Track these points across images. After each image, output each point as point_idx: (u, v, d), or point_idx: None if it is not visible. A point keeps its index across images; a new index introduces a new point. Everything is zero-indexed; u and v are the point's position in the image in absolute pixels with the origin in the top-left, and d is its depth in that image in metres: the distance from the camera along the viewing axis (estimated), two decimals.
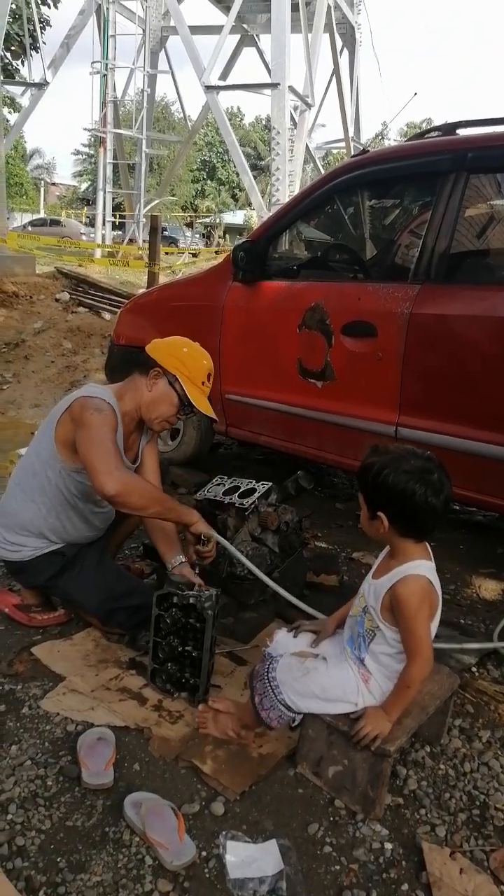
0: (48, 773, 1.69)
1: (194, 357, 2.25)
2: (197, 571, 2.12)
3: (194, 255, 19.15)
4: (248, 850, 1.49)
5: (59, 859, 1.47)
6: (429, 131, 3.22)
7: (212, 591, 1.99)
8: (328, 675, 1.65)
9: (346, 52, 20.11)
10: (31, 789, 1.63)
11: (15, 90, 20.63)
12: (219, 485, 2.59)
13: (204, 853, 1.50)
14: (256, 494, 2.46)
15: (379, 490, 1.56)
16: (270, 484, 2.56)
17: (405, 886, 1.45)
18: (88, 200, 36.49)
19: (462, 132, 2.95)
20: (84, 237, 23.27)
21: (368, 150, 3.46)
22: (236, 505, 2.43)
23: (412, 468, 1.53)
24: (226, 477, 2.66)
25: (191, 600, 1.95)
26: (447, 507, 1.56)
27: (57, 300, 8.62)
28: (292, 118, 15.49)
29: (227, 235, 33.58)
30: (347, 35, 20.00)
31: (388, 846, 1.54)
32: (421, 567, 1.57)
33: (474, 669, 2.21)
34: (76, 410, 2.07)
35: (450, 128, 3.00)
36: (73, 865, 1.46)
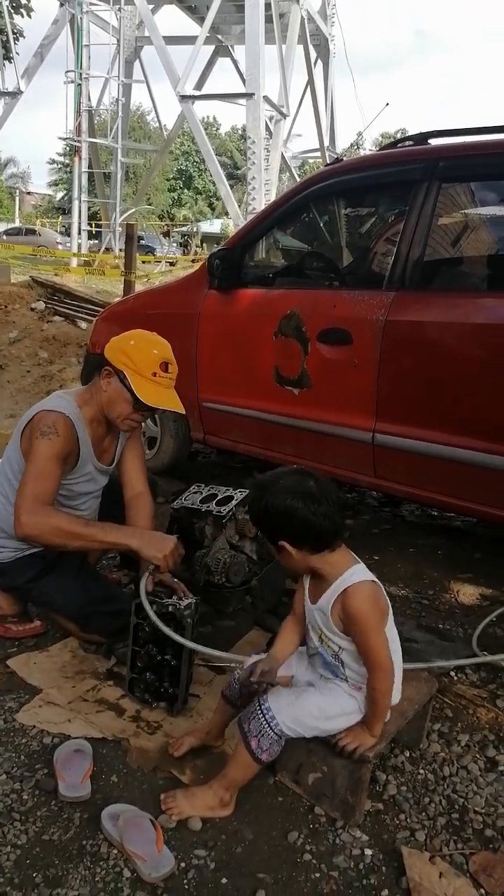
0: (24, 786, 1.66)
1: (141, 348, 2.14)
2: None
3: (171, 264, 19.15)
4: None
5: (35, 874, 1.44)
6: (401, 141, 3.26)
7: (191, 600, 1.97)
8: (320, 694, 1.60)
9: (320, 63, 20.37)
10: (7, 804, 1.60)
11: None
12: (196, 493, 2.58)
13: (182, 864, 1.48)
14: (234, 502, 2.46)
15: (267, 521, 1.54)
16: (247, 491, 2.56)
17: (385, 892, 1.44)
18: (64, 209, 36.34)
19: (434, 142, 2.99)
20: (60, 246, 23.16)
21: (343, 160, 3.50)
22: (214, 513, 2.43)
23: (285, 487, 1.51)
24: (203, 485, 2.65)
25: (170, 608, 1.93)
26: (337, 508, 1.53)
27: (32, 309, 8.54)
28: (268, 128, 15.64)
29: (205, 244, 33.59)
30: (321, 46, 20.27)
31: (368, 852, 1.54)
32: (356, 573, 1.54)
33: (453, 673, 2.22)
34: (33, 425, 2.08)
35: (422, 138, 3.04)
36: (49, 880, 1.43)
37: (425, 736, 1.89)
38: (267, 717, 1.54)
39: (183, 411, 2.28)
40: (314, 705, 1.57)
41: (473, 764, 1.81)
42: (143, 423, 3.69)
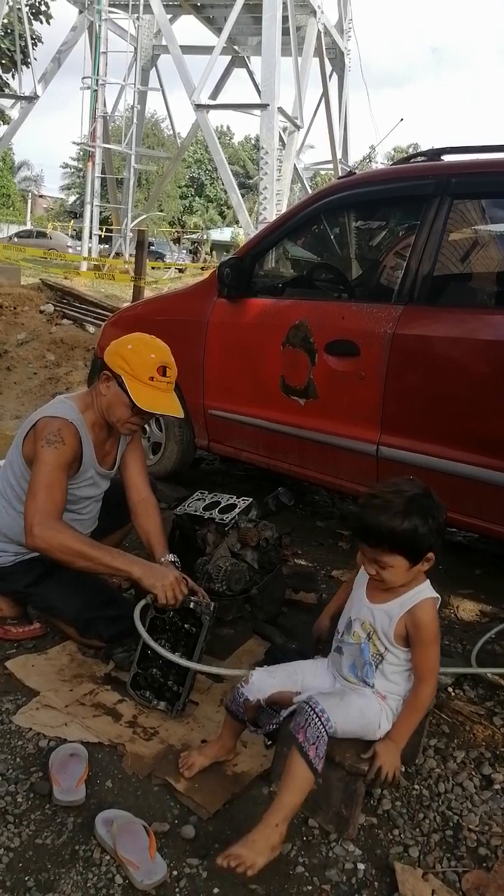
0: (19, 789, 1.66)
1: (138, 352, 2.13)
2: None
3: (181, 271, 19.25)
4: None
5: (27, 878, 1.44)
6: (415, 156, 3.28)
7: (210, 602, 2.01)
8: (358, 696, 1.62)
9: (335, 76, 20.50)
10: (1, 806, 1.60)
11: (5, 102, 20.73)
12: (199, 500, 2.59)
13: (175, 872, 1.48)
14: (237, 510, 2.46)
15: (402, 538, 1.55)
16: (251, 500, 2.56)
17: None
18: (75, 213, 36.60)
19: (447, 158, 3.01)
20: (70, 250, 23.29)
21: (355, 173, 3.52)
22: (216, 520, 2.43)
23: (418, 503, 1.57)
24: (206, 492, 2.66)
25: (192, 605, 1.97)
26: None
27: (41, 312, 8.59)
28: (281, 139, 15.73)
29: (214, 252, 33.81)
30: (337, 60, 20.41)
31: (361, 867, 1.53)
32: (429, 587, 1.65)
33: (450, 689, 2.22)
34: (38, 432, 2.08)
35: (435, 153, 3.06)
36: (41, 884, 1.43)
37: (421, 751, 1.88)
38: (323, 719, 1.50)
39: (181, 415, 2.28)
40: (357, 708, 1.59)
41: (469, 781, 1.81)
42: (147, 428, 3.75)
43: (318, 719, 1.49)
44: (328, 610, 1.90)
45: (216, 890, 1.45)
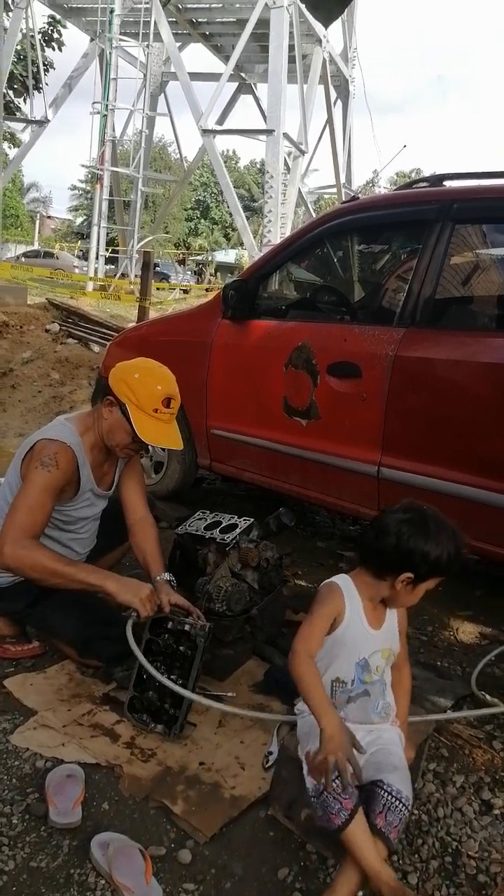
0: (14, 810, 1.65)
1: (145, 383, 2.13)
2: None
3: (185, 292, 19.39)
4: None
5: None
6: (417, 182, 3.33)
7: (206, 623, 2.00)
8: (394, 745, 1.59)
9: (339, 103, 20.80)
10: None
11: (16, 126, 21.07)
12: (200, 519, 2.59)
13: None
14: (238, 530, 2.47)
15: (410, 557, 1.53)
16: (252, 520, 2.56)
17: None
18: (82, 234, 36.98)
19: (449, 184, 3.05)
20: (77, 270, 23.50)
21: (359, 197, 3.56)
22: (217, 540, 2.43)
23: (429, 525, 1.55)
24: (208, 511, 2.66)
25: (186, 627, 1.96)
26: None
27: (47, 331, 8.65)
28: (286, 163, 15.93)
29: (219, 273, 34.08)
30: (341, 87, 20.72)
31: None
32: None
33: (449, 713, 2.19)
34: (35, 454, 2.09)
35: (437, 179, 3.11)
36: None
37: (420, 776, 1.86)
38: (402, 799, 1.45)
39: (180, 447, 2.28)
40: (400, 759, 1.56)
41: (468, 806, 1.79)
42: (150, 448, 3.76)
43: (398, 802, 1.45)
44: (328, 710, 1.49)
45: None
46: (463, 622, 2.86)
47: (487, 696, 2.24)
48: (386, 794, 1.45)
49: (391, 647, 1.64)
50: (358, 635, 1.59)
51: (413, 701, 1.81)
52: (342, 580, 1.62)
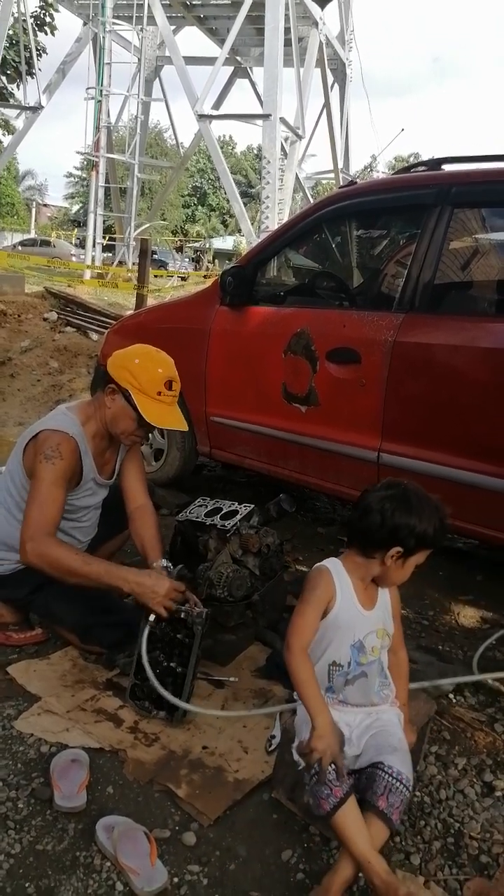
0: (20, 795, 1.66)
1: (146, 367, 2.16)
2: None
3: (183, 279, 19.30)
4: None
5: (27, 885, 1.44)
6: (415, 166, 3.30)
7: (203, 609, 2.00)
8: (394, 726, 1.60)
9: (336, 86, 20.60)
10: (2, 812, 1.60)
11: (10, 113, 20.89)
12: (201, 506, 2.60)
13: (176, 879, 1.48)
14: (238, 516, 2.47)
15: (398, 532, 1.54)
16: (252, 506, 2.57)
17: None
18: (79, 222, 36.74)
19: (447, 168, 3.03)
20: (74, 258, 23.38)
21: (357, 182, 3.54)
22: (218, 527, 2.44)
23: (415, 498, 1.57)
24: (208, 498, 2.67)
25: (182, 615, 1.96)
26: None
27: (45, 319, 8.62)
28: (283, 148, 15.80)
29: (217, 260, 33.95)
30: (338, 71, 20.52)
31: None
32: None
33: (451, 696, 2.21)
34: (38, 445, 2.10)
35: (435, 163, 3.08)
36: (41, 891, 1.43)
37: (422, 758, 1.88)
38: (403, 780, 1.47)
39: (186, 429, 2.32)
40: (399, 739, 1.57)
41: (470, 788, 1.80)
42: (150, 436, 3.76)
43: (398, 783, 1.46)
44: (322, 710, 1.49)
45: None
46: (464, 606, 2.87)
47: (489, 680, 2.26)
48: (387, 775, 1.47)
49: (385, 626, 1.65)
50: (351, 617, 1.60)
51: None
52: (331, 563, 1.63)
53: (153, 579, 2.02)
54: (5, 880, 1.44)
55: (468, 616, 2.80)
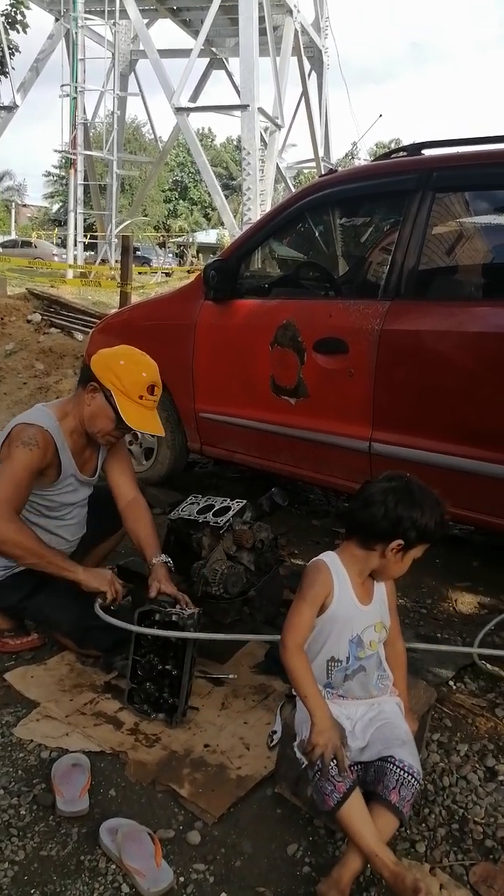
0: (21, 802, 1.65)
1: (130, 370, 2.15)
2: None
3: (167, 275, 19.22)
4: None
5: (33, 891, 1.43)
6: (395, 151, 3.28)
7: (194, 610, 1.98)
8: (397, 717, 1.60)
9: (314, 74, 20.51)
10: (4, 819, 1.59)
11: None
12: (193, 504, 2.58)
13: (182, 878, 1.47)
14: (231, 512, 2.46)
15: (401, 525, 1.53)
16: (245, 502, 2.55)
17: None
18: (60, 221, 36.47)
19: (427, 153, 3.01)
20: (56, 258, 23.22)
21: (337, 170, 3.52)
22: (211, 524, 2.42)
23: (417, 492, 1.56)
24: (200, 496, 2.65)
25: (173, 618, 1.95)
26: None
27: (28, 321, 8.55)
28: (263, 139, 15.74)
29: (201, 255, 33.78)
30: (315, 58, 20.43)
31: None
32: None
33: (451, 683, 2.22)
34: (13, 436, 2.09)
35: (415, 148, 3.06)
36: None
37: (424, 746, 1.88)
38: (414, 773, 1.47)
39: (163, 434, 2.32)
40: (405, 731, 1.57)
41: (473, 774, 1.81)
42: (140, 434, 3.74)
43: (410, 776, 1.46)
44: (320, 705, 1.49)
45: (223, 895, 1.45)
46: (461, 593, 2.88)
47: (488, 665, 2.26)
48: (398, 769, 1.46)
49: (382, 620, 1.64)
50: (349, 612, 1.59)
51: (415, 673, 1.82)
52: (329, 557, 1.61)
53: (101, 571, 2.14)
54: (10, 887, 1.43)
55: (466, 602, 2.81)
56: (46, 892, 1.43)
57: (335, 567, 1.59)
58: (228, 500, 2.56)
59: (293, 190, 17.23)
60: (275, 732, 1.84)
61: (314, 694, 1.50)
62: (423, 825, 1.65)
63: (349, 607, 1.59)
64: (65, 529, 2.29)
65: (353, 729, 1.56)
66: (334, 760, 1.42)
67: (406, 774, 1.46)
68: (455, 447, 2.55)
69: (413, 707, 1.76)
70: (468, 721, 2.03)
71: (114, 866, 1.49)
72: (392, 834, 1.47)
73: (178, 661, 1.93)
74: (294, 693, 1.60)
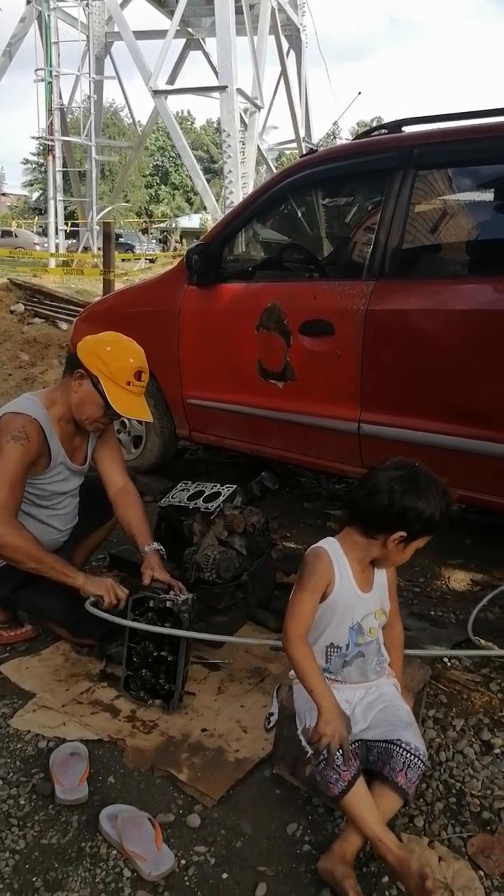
0: (21, 791, 1.65)
1: (117, 356, 2.14)
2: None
3: (151, 261, 19.07)
4: None
5: (34, 879, 1.44)
6: (375, 129, 3.25)
7: (188, 596, 1.99)
8: (398, 699, 1.61)
9: (292, 53, 20.24)
10: (4, 809, 1.60)
11: None
12: (183, 490, 2.57)
13: (183, 861, 1.48)
14: (221, 498, 2.45)
15: (404, 516, 1.51)
16: (235, 486, 2.55)
17: (385, 879, 1.45)
18: (40, 210, 36.01)
19: (408, 129, 2.99)
20: (38, 247, 22.96)
21: (318, 150, 3.48)
22: (201, 509, 2.42)
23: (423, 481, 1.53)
24: (190, 482, 2.64)
25: (168, 604, 1.95)
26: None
27: (12, 312, 8.47)
28: (242, 120, 15.55)
29: (184, 240, 33.50)
30: (293, 37, 20.13)
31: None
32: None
33: (446, 660, 2.23)
34: (1, 428, 2.06)
35: (396, 125, 3.04)
36: (49, 884, 1.43)
37: (421, 723, 1.90)
38: (420, 755, 1.48)
39: (151, 420, 2.31)
40: (408, 713, 1.57)
41: (469, 748, 1.83)
42: (128, 422, 3.72)
43: (416, 759, 1.47)
44: (326, 695, 1.48)
45: (225, 875, 1.46)
46: (454, 570, 2.89)
47: (482, 641, 2.28)
48: (405, 752, 1.47)
49: (382, 606, 1.64)
50: (350, 600, 1.57)
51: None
52: (329, 545, 1.59)
53: (98, 578, 2.11)
54: (12, 876, 1.44)
55: (459, 580, 2.83)
56: (48, 879, 1.44)
57: (336, 555, 1.57)
58: (219, 485, 2.55)
59: (275, 172, 17.09)
60: (272, 714, 1.85)
61: (320, 684, 1.49)
62: (421, 800, 1.66)
63: (350, 595, 1.57)
64: (56, 519, 2.28)
65: (352, 712, 1.56)
66: (340, 750, 1.43)
67: (413, 757, 1.47)
68: (444, 426, 2.55)
69: (408, 685, 1.77)
70: (463, 696, 2.05)
71: (115, 852, 1.50)
72: (395, 812, 1.49)
73: (173, 647, 1.94)
74: (292, 676, 1.61)
